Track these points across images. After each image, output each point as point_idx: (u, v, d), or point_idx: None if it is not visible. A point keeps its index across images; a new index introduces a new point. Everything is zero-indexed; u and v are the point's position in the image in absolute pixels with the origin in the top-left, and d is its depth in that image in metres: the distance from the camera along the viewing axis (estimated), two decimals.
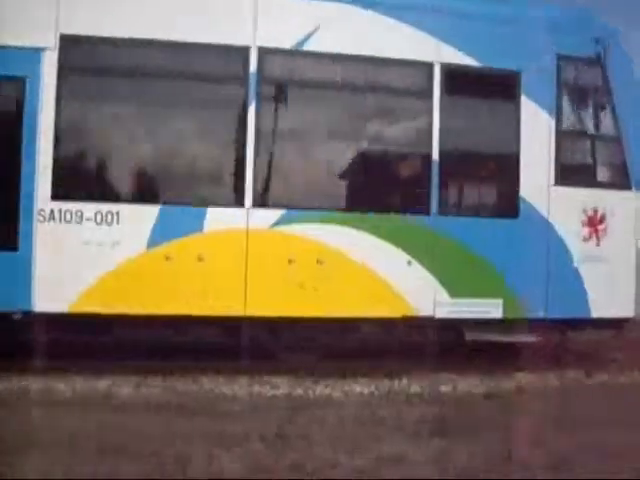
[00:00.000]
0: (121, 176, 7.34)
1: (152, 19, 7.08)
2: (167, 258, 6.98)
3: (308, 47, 7.40)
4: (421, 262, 7.62)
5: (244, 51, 7.24)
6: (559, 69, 8.07)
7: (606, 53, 8.22)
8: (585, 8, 8.78)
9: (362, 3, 7.52)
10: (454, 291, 7.72)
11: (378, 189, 7.74)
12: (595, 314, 8.14)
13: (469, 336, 8.20)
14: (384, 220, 7.59)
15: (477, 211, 7.96)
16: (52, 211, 6.78)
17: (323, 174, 7.69)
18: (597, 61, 8.20)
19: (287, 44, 7.39)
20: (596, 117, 8.28)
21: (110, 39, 6.97)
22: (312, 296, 7.35)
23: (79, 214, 6.83)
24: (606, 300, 8.19)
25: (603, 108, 8.28)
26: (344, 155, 7.80)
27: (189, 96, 7.30)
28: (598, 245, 8.15)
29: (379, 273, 7.51)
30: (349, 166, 7.79)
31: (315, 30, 7.42)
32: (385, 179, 7.84)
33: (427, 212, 7.66)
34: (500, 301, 7.83)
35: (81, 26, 6.89)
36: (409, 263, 7.58)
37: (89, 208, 6.85)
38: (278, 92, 7.41)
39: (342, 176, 7.78)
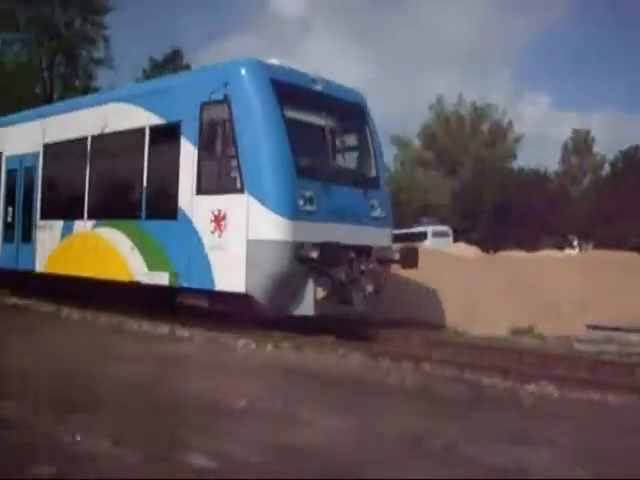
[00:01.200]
0: None
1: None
2: None
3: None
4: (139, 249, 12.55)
5: None
6: (201, 113, 11.46)
7: (232, 93, 11.02)
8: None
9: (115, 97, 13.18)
10: (151, 266, 12.26)
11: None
12: (218, 287, 11.08)
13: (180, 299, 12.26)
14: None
15: (156, 215, 12.24)
16: None
17: None
18: (224, 101, 11.08)
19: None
20: (222, 143, 11.13)
21: None
22: None
23: None
24: (225, 278, 11.00)
25: (229, 136, 11.04)
26: None
27: None
28: (220, 237, 11.04)
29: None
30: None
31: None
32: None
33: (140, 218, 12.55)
34: (166, 274, 11.85)
35: None
36: (132, 249, 12.61)
37: None
38: None
39: None
